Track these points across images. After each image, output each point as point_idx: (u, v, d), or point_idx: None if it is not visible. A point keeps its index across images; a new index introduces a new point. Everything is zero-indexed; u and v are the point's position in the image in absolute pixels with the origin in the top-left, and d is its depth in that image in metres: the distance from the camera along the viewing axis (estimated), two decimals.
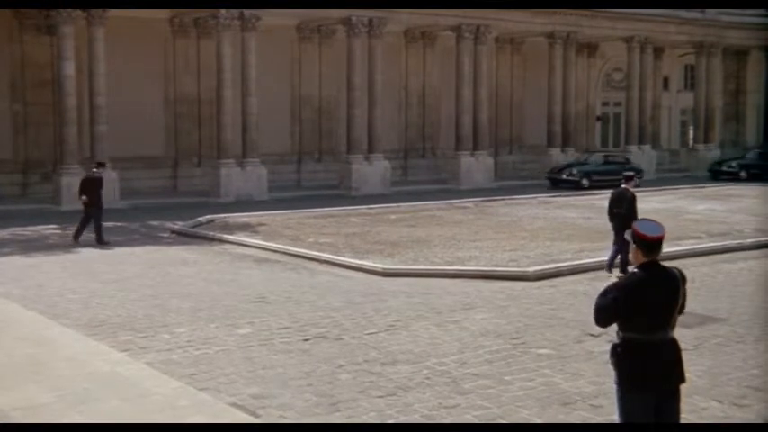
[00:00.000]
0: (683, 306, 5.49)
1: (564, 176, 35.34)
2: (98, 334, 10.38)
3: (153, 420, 7.18)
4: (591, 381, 8.54)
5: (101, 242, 18.77)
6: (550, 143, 38.23)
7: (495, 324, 10.99)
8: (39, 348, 9.50)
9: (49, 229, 21.64)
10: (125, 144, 29.05)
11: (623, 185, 15.21)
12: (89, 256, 17.42)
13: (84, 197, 19.24)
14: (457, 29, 34.80)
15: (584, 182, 34.51)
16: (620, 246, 14.07)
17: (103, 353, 9.48)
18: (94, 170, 19.87)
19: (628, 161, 36.55)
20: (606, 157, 37.62)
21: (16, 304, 12.12)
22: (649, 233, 5.44)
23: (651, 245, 5.41)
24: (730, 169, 39.14)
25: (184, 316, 11.48)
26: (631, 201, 14.84)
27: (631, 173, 16.48)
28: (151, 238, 20.17)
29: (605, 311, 5.43)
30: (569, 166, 36.18)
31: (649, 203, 26.33)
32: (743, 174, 38.40)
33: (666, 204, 27.06)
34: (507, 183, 35.78)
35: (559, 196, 30.19)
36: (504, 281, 14.15)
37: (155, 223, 22.69)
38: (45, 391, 7.94)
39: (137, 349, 9.72)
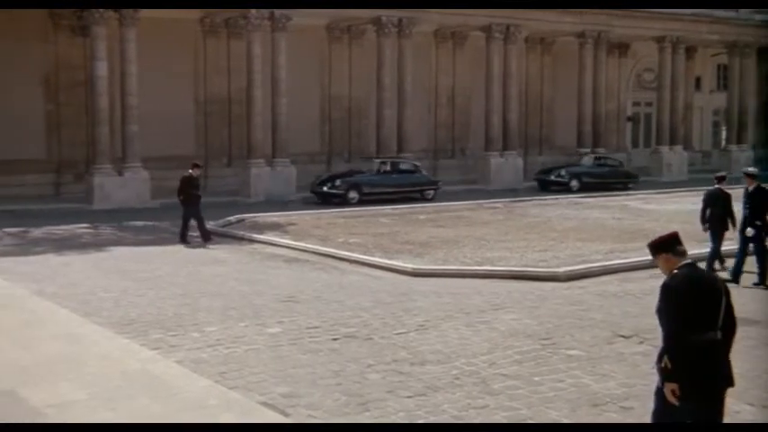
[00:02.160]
0: (732, 317, 5.44)
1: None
2: (129, 332, 10.46)
3: (182, 419, 7.22)
4: (621, 383, 8.48)
5: (206, 239, 19.00)
6: (580, 144, 37.99)
7: (525, 325, 10.94)
8: (71, 346, 9.59)
9: (82, 228, 21.85)
10: (156, 144, 29.27)
11: (716, 186, 15.01)
12: (121, 254, 17.56)
13: (181, 197, 19.47)
14: (487, 29, 34.71)
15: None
16: (717, 244, 14.53)
17: (134, 351, 9.55)
18: (191, 170, 19.95)
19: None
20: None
21: (50, 302, 12.24)
22: (664, 233, 5.49)
23: (674, 241, 5.49)
24: (559, 179, 34.09)
25: (214, 315, 11.53)
26: (726, 200, 14.70)
27: (723, 173, 15.88)
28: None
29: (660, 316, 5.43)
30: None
31: (671, 205, 26.16)
32: (574, 183, 33.52)
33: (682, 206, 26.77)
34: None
35: (589, 197, 29.96)
36: (534, 281, 14.10)
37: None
38: (77, 388, 8.01)
39: (167, 348, 9.78)
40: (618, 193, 31.95)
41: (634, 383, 8.35)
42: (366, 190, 28.74)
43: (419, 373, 8.79)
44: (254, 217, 23.41)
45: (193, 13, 30.76)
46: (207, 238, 19.11)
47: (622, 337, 10.11)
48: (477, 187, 34.00)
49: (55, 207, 26.35)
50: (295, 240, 18.96)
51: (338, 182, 28.86)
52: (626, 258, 15.92)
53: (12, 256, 17.27)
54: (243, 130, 31.20)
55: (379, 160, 30.33)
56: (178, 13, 29.28)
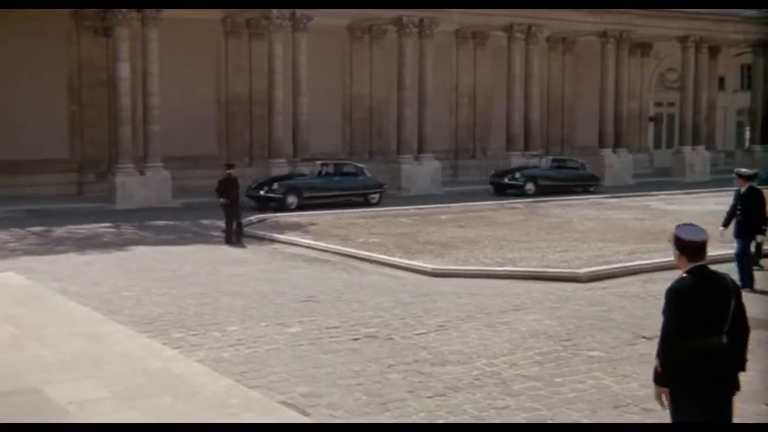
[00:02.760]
0: (743, 319, 5.37)
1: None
2: (151, 331, 10.52)
3: (204, 417, 7.25)
4: (643, 384, 8.42)
5: (239, 240, 18.99)
6: (602, 144, 37.84)
7: (546, 325, 10.91)
8: (93, 344, 9.65)
9: (104, 228, 22.00)
10: (177, 144, 29.42)
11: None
12: (142, 254, 17.65)
13: (222, 199, 19.46)
14: (508, 28, 34.65)
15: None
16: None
17: (156, 350, 9.60)
18: (229, 171, 20.00)
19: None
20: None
21: (72, 301, 12.32)
22: (692, 237, 5.36)
23: (695, 249, 5.34)
24: (513, 182, 32.04)
25: (235, 314, 11.57)
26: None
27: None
28: (202, 237, 20.39)
29: (665, 320, 5.37)
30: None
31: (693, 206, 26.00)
32: (529, 187, 31.51)
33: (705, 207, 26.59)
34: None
35: (609, 197, 29.83)
36: (555, 282, 14.04)
37: (206, 222, 22.89)
38: (100, 386, 8.06)
39: (188, 347, 9.83)
40: (579, 196, 30.57)
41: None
42: (306, 194, 26.79)
43: (440, 374, 8.78)
44: (276, 217, 23.47)
45: (215, 14, 30.89)
46: (239, 240, 19.09)
47: (644, 338, 10.06)
48: None
49: (77, 206, 26.53)
50: (315, 240, 18.99)
51: (276, 185, 26.79)
52: (648, 259, 15.82)
53: (35, 254, 17.41)
54: (264, 130, 31.29)
55: (320, 162, 28.43)
56: (200, 14, 29.42)
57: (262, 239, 19.66)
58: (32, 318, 10.95)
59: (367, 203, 27.68)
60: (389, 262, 16.09)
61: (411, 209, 25.81)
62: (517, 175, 32.00)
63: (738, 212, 13.60)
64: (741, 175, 13.85)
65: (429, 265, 15.38)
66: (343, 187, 28.12)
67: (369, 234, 20.11)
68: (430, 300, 12.55)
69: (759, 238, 13.75)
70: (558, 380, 8.60)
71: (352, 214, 24.33)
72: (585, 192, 32.19)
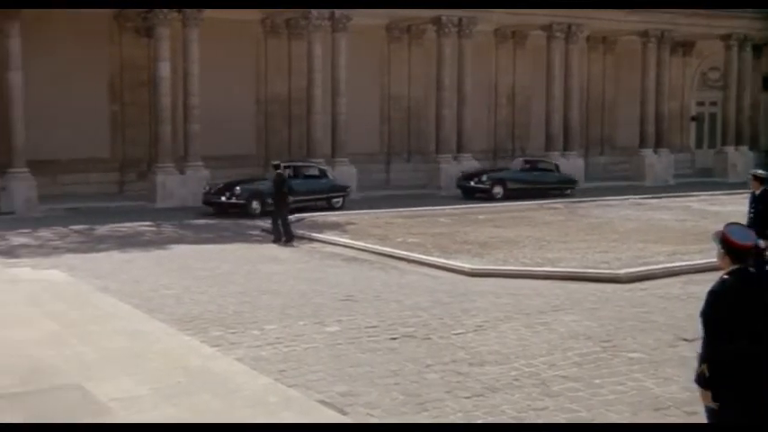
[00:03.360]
0: None
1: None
2: (191, 329, 10.60)
3: (243, 415, 7.29)
4: (684, 386, 8.32)
5: (287, 239, 19.03)
6: (643, 143, 37.45)
7: (585, 326, 10.83)
8: (134, 342, 9.75)
9: (144, 226, 22.22)
10: (217, 143, 29.62)
11: None
12: (182, 252, 17.81)
13: (277, 197, 19.62)
14: (548, 28, 34.41)
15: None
16: None
17: (195, 348, 9.67)
18: (279, 171, 20.11)
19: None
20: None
21: (113, 298, 12.46)
22: (741, 240, 5.28)
23: (742, 252, 5.26)
24: (480, 185, 30.15)
25: (274, 313, 11.63)
26: None
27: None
28: (241, 236, 20.52)
29: (704, 322, 5.29)
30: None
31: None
32: (497, 190, 29.65)
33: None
34: (598, 184, 35.13)
35: (650, 198, 29.52)
36: (595, 283, 13.93)
37: (245, 221, 23.04)
38: (140, 383, 8.14)
39: (227, 345, 9.90)
40: (558, 199, 29.18)
41: (697, 387, 8.18)
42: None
43: (478, 374, 8.75)
44: (314, 216, 23.54)
45: (255, 14, 31.05)
46: (285, 238, 19.14)
47: (685, 340, 9.95)
48: None
49: (118, 205, 26.82)
50: (354, 239, 19.02)
51: (238, 189, 25.02)
52: (689, 261, 15.65)
53: (78, 252, 17.65)
54: (302, 130, 31.40)
55: (523, 159, 28.39)
56: (240, 14, 29.60)
57: (300, 238, 19.72)
58: (74, 315, 11.09)
59: (330, 208, 26.14)
60: (428, 261, 16.07)
61: (449, 208, 25.76)
62: (484, 177, 30.19)
63: (751, 215, 12.84)
64: (757, 177, 13.15)
65: (467, 265, 15.34)
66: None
67: (407, 234, 20.09)
68: (468, 300, 12.51)
69: (762, 243, 12.99)
70: (597, 381, 8.53)
71: (390, 214, 24.31)
72: (562, 195, 30.52)
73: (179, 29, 27.91)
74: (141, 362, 8.88)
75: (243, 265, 16.07)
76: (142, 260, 16.65)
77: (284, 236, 19.09)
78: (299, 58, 31.45)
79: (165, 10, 27.38)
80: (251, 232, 20.97)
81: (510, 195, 29.04)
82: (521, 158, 33.12)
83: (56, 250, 17.97)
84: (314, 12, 29.18)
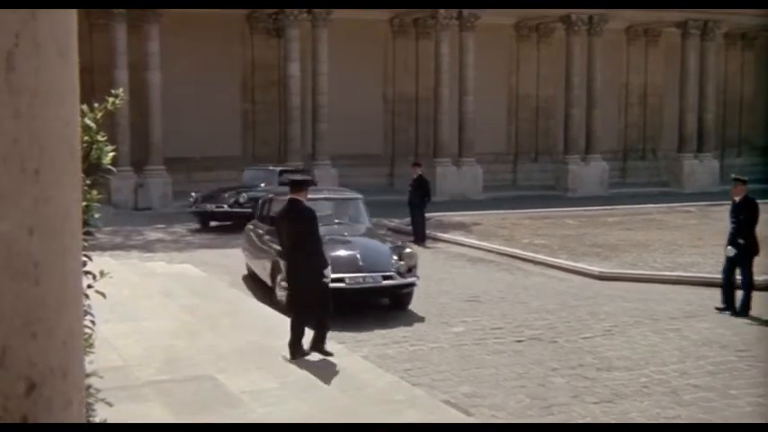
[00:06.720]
0: None
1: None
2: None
3: (369, 413, 7.35)
4: None
5: (422, 240, 18.97)
6: None
7: (719, 334, 10.46)
8: (264, 336, 9.97)
9: None
10: (345, 142, 30.00)
11: None
12: None
13: (426, 198, 19.79)
14: (682, 25, 33.42)
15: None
16: None
17: None
18: (420, 171, 20.26)
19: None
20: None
21: (244, 294, 12.78)
22: None
23: None
24: (221, 209, 21.60)
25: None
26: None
27: None
28: None
29: None
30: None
31: None
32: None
33: None
34: None
35: None
36: None
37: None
38: (269, 377, 8.32)
39: (353, 342, 10.01)
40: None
41: None
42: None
43: (605, 379, 8.59)
44: (440, 216, 23.54)
45: (383, 14, 31.33)
46: (422, 240, 19.12)
47: None
48: (668, 190, 32.77)
49: None
50: (480, 240, 18.94)
51: (226, 194, 21.80)
52: None
53: (210, 248, 18.19)
54: (429, 129, 31.49)
55: (279, 168, 23.40)
56: (368, 14, 29.91)
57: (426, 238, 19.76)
58: (207, 308, 11.43)
59: None
60: (554, 264, 15.86)
61: (577, 210, 25.32)
62: (228, 196, 21.94)
63: (733, 223, 11.92)
64: (739, 180, 12.12)
65: (596, 268, 15.06)
66: None
67: (534, 235, 19.88)
68: (596, 303, 12.29)
69: (729, 249, 11.87)
70: (732, 392, 8.24)
71: (516, 214, 24.09)
72: None
73: (308, 29, 28.43)
74: (270, 356, 9.07)
75: None
76: None
77: (415, 235, 19.11)
78: (426, 57, 31.56)
79: (296, 11, 27.94)
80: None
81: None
82: (277, 168, 24.20)
83: (189, 245, 18.59)
84: (442, 11, 29.21)
